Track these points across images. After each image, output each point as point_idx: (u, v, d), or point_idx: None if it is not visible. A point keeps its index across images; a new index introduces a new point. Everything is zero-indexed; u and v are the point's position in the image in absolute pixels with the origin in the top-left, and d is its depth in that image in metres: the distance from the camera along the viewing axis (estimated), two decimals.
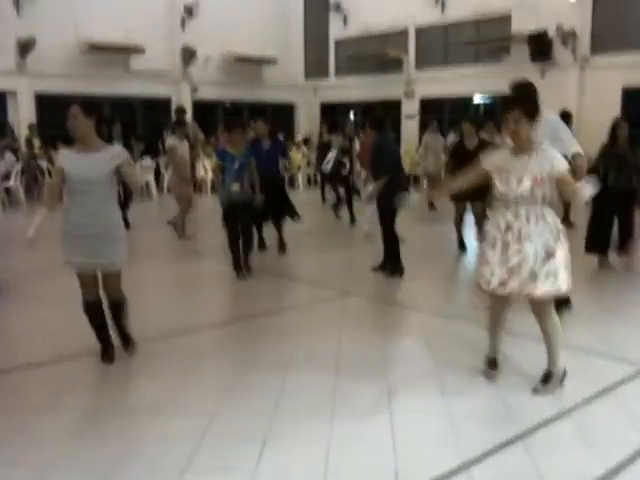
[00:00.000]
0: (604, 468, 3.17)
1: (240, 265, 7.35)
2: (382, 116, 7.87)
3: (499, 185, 4.01)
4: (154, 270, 7.82)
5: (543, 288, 3.90)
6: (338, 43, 22.28)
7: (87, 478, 3.14)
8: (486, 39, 17.81)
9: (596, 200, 6.30)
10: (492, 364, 4.39)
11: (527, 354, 4.72)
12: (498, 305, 4.24)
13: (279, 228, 8.77)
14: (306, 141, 19.77)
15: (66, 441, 3.52)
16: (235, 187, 7.17)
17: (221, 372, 4.60)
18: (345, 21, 21.62)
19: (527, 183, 3.89)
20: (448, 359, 4.71)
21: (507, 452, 3.36)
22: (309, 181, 18.52)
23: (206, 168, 16.14)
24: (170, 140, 9.99)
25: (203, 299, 6.63)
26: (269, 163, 8.26)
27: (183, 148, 9.88)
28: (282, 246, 8.73)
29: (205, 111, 20.35)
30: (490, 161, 4.16)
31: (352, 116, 22.18)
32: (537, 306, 4.07)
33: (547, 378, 4.13)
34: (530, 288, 3.92)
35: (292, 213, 8.78)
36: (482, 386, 4.22)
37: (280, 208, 8.63)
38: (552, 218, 3.97)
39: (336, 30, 22.14)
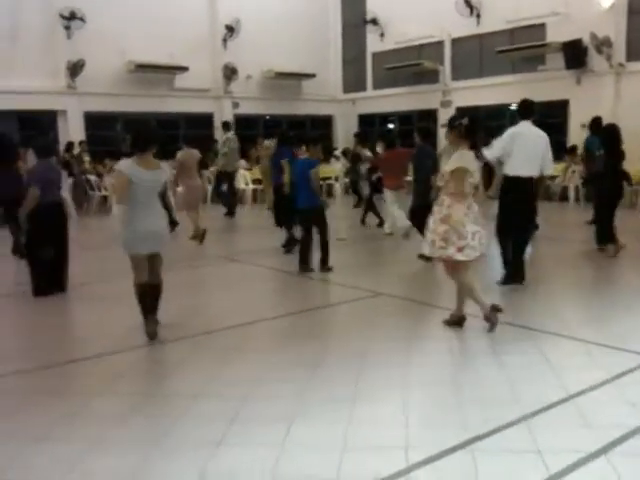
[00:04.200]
0: (599, 444, 3.46)
1: (307, 262, 8.24)
2: (427, 127, 8.92)
3: None
4: (194, 272, 8.33)
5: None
6: (375, 56, 22.70)
7: (130, 454, 3.56)
8: (520, 47, 17.95)
9: None
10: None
11: (540, 347, 5.02)
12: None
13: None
14: (345, 153, 20.17)
15: (113, 421, 3.98)
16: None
17: (254, 364, 5.00)
18: (382, 34, 22.02)
19: None
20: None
21: (510, 431, 3.68)
22: (347, 191, 18.90)
23: (247, 180, 16.70)
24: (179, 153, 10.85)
25: (241, 298, 7.07)
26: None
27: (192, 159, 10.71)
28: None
29: (246, 125, 21.01)
30: None
31: (391, 126, 22.57)
32: None
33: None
34: None
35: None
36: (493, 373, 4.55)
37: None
38: None
39: (373, 43, 22.55)
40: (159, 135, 5.95)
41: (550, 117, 17.09)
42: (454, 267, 5.55)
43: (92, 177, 15.55)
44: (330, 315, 6.60)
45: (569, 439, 3.56)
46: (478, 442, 3.54)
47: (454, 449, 3.46)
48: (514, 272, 7.16)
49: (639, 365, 4.67)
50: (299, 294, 7.42)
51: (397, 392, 4.29)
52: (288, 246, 9.62)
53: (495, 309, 5.48)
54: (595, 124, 11.64)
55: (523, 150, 6.93)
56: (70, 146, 16.48)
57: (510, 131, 7.22)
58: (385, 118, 22.68)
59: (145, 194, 5.38)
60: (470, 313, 5.68)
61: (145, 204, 5.39)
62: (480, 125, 5.93)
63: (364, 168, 12.73)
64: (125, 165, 5.37)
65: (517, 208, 6.95)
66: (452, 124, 5.57)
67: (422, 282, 7.96)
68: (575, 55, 16.79)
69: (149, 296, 5.61)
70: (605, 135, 9.18)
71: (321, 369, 4.80)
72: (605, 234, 8.84)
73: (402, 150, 11.04)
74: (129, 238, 5.39)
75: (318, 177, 8.22)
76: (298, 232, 9.10)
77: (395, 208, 10.47)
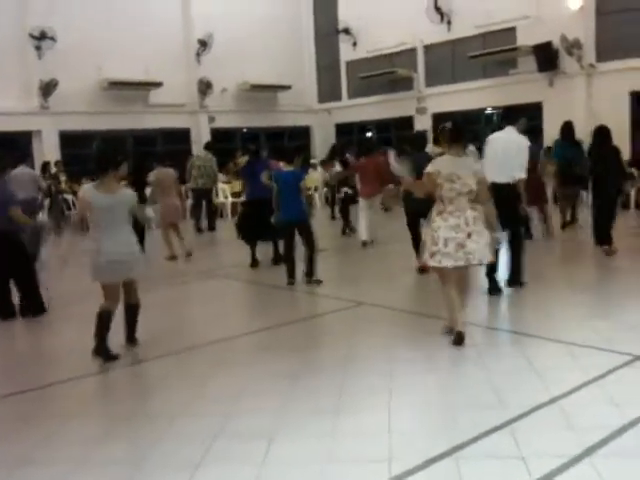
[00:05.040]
0: (581, 448, 3.45)
1: (294, 274, 8.05)
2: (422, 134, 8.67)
3: None
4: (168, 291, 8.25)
5: None
6: (349, 65, 22.81)
7: (110, 476, 3.49)
8: (491, 52, 18.11)
9: None
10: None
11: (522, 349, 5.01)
12: None
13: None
14: (323, 162, 20.19)
15: (93, 443, 3.90)
16: None
17: (237, 378, 4.94)
18: (355, 44, 22.13)
19: None
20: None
21: (494, 437, 3.65)
22: (326, 200, 18.91)
23: (225, 194, 16.65)
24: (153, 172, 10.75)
25: (220, 314, 7.01)
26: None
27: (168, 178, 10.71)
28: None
29: (224, 139, 20.94)
30: None
31: (369, 134, 22.63)
32: None
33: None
34: None
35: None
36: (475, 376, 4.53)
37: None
38: None
39: (346, 53, 22.68)
40: (123, 154, 5.79)
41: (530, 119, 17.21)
42: (437, 274, 5.56)
43: (69, 196, 15.42)
44: (312, 326, 6.55)
45: (553, 442, 3.53)
46: (462, 449, 3.50)
47: (438, 458, 3.42)
48: (512, 276, 7.16)
49: (623, 365, 4.68)
50: (281, 307, 7.36)
51: (381, 401, 4.25)
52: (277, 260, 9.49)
53: (459, 337, 5.29)
54: (567, 128, 11.36)
55: (493, 156, 6.92)
56: (46, 166, 16.31)
57: (488, 138, 7.25)
58: (363, 127, 22.74)
59: (107, 219, 5.30)
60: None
61: (109, 230, 5.30)
62: (463, 127, 5.80)
63: (333, 182, 13.10)
64: (85, 189, 5.45)
65: (500, 214, 6.44)
66: (440, 131, 5.61)
67: (405, 290, 7.95)
68: (546, 58, 16.99)
69: (128, 316, 5.60)
70: (600, 136, 9.05)
71: (304, 380, 4.75)
72: (605, 234, 8.88)
73: (379, 158, 11.01)
74: (96, 266, 5.34)
75: (305, 188, 8.19)
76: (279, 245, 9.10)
77: (362, 216, 10.53)
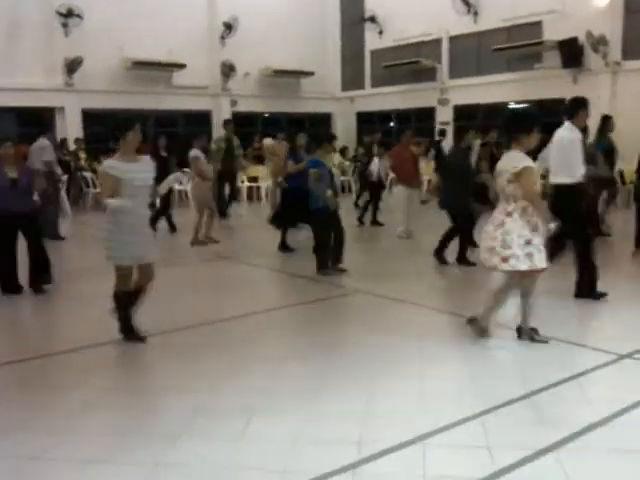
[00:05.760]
0: (548, 442, 3.51)
1: (327, 263, 7.95)
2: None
3: None
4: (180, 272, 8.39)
5: None
6: (374, 54, 22.74)
7: (93, 446, 3.64)
8: (516, 46, 17.94)
9: None
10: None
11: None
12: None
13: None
14: (343, 150, 20.18)
15: (78, 413, 4.06)
16: (330, 194, 7.82)
17: (219, 361, 5.06)
18: (380, 32, 22.05)
19: None
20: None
21: (465, 427, 3.73)
22: (343, 189, 18.92)
23: (242, 178, 16.75)
24: (192, 152, 10.44)
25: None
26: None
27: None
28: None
29: (245, 123, 21.03)
30: None
31: (392, 124, 22.51)
32: None
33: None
34: None
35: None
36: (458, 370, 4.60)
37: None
38: None
39: (371, 41, 22.60)
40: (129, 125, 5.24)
41: (547, 116, 17.07)
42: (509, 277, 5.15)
43: (88, 174, 15.64)
44: (303, 311, 6.62)
45: (521, 435, 3.60)
46: (431, 437, 3.59)
47: (406, 444, 3.51)
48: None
49: (605, 363, 4.72)
50: (281, 291, 7.48)
51: (360, 386, 4.35)
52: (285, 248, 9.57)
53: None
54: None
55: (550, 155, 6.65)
56: (63, 142, 16.53)
57: None
58: (386, 116, 22.64)
59: (130, 190, 5.05)
60: (450, 310, 5.72)
61: (132, 204, 5.05)
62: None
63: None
64: (106, 163, 5.23)
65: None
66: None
67: (413, 281, 7.99)
68: (571, 53, 16.78)
69: (133, 295, 5.39)
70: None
71: (288, 363, 4.87)
72: None
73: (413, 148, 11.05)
74: (114, 247, 5.14)
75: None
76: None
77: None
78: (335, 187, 8.17)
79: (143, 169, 5.22)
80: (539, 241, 4.88)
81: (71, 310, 6.74)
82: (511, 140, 5.01)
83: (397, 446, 3.49)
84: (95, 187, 15.62)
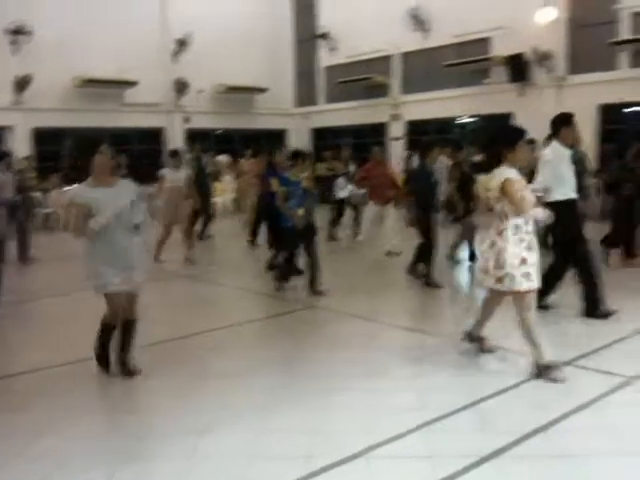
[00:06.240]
0: (490, 449, 3.58)
1: (287, 280, 7.89)
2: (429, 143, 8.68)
3: None
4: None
5: None
6: (327, 70, 22.95)
7: (44, 468, 3.58)
8: (466, 61, 18.33)
9: None
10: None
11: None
12: None
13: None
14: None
15: (31, 436, 3.99)
16: (301, 212, 7.58)
17: (173, 379, 5.02)
18: (333, 49, 22.27)
19: None
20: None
21: (410, 437, 3.78)
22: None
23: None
24: (162, 170, 10.53)
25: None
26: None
27: (174, 177, 10.44)
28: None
29: (197, 140, 20.91)
30: None
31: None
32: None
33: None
34: None
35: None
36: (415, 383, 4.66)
37: None
38: None
39: (325, 58, 22.81)
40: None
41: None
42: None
43: (36, 194, 15.33)
44: (260, 327, 6.65)
45: (463, 443, 3.67)
46: (377, 449, 3.63)
47: (351, 457, 3.55)
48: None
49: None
50: (242, 307, 7.46)
51: (312, 401, 4.39)
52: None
53: (486, 348, 5.31)
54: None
55: None
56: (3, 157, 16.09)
57: None
58: (338, 132, 22.79)
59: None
60: (406, 326, 5.78)
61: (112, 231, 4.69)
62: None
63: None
64: (72, 190, 4.79)
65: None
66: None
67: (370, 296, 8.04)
68: (518, 69, 17.23)
69: (122, 333, 5.06)
70: None
71: (244, 379, 4.88)
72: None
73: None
74: (97, 274, 4.79)
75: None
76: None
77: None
78: (311, 204, 7.83)
79: (118, 194, 4.74)
80: (535, 259, 4.74)
81: (33, 331, 6.60)
82: (493, 157, 4.83)
83: (344, 459, 3.53)
84: (43, 207, 15.37)
